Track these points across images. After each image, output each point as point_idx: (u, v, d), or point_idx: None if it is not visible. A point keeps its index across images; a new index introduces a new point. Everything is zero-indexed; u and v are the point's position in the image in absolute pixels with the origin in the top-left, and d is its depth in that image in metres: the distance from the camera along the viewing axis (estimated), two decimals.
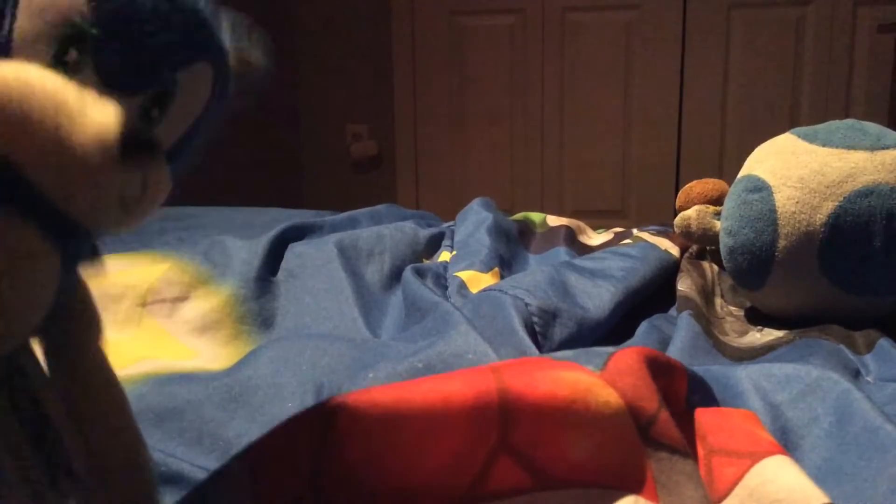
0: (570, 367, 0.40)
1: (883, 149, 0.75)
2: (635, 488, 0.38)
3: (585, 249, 1.05)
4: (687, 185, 1.04)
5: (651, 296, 0.85)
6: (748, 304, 0.87)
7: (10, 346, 0.28)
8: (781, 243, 0.76)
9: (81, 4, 0.30)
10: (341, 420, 0.35)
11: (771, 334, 0.77)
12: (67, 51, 0.29)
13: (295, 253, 0.88)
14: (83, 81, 0.29)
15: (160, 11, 0.31)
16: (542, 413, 0.37)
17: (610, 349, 0.42)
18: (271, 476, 0.34)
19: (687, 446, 0.39)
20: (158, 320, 0.75)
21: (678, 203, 1.03)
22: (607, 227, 1.19)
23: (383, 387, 0.37)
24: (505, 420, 0.37)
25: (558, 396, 0.38)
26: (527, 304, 0.69)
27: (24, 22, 0.29)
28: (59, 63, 0.29)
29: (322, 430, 0.35)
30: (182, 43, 0.32)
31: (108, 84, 0.30)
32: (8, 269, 0.26)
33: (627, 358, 0.41)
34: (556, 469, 0.38)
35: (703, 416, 0.42)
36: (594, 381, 0.39)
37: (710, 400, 0.47)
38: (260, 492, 0.34)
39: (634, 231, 1.09)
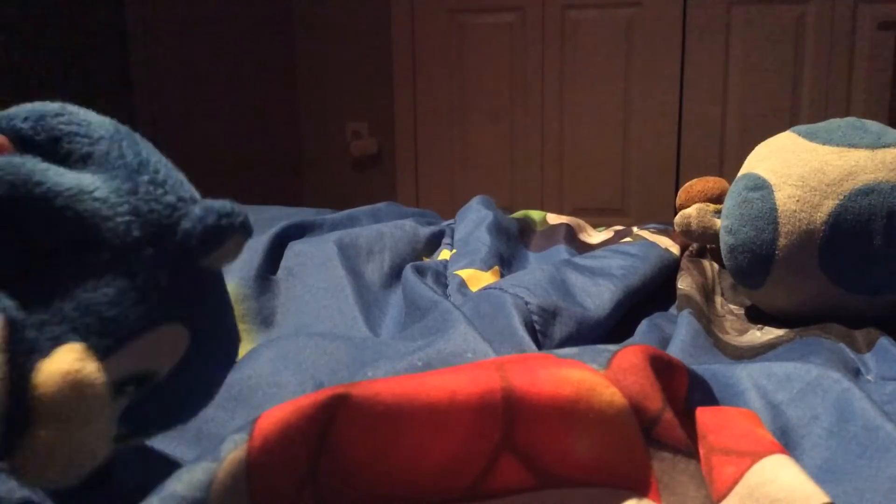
0: (574, 364, 0.40)
1: (884, 147, 0.75)
2: (638, 488, 0.37)
3: (585, 248, 1.05)
4: (687, 184, 1.04)
5: (651, 294, 0.85)
6: (748, 303, 0.87)
7: None
8: (782, 242, 0.76)
9: (164, 367, 0.34)
10: (342, 417, 0.35)
11: (771, 333, 0.77)
12: (130, 384, 0.33)
13: (295, 251, 0.88)
14: (114, 405, 0.32)
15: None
16: (545, 412, 0.37)
17: (614, 347, 0.42)
18: (268, 472, 0.34)
19: (690, 446, 0.39)
20: None
21: (678, 201, 1.03)
22: (607, 226, 1.19)
23: (387, 381, 0.37)
24: (509, 418, 0.37)
25: (562, 395, 0.37)
26: (527, 303, 0.69)
27: (121, 359, 0.32)
28: (118, 387, 0.32)
29: (323, 426, 0.35)
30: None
31: (125, 423, 0.34)
32: None
33: (632, 356, 0.41)
34: (560, 468, 0.38)
35: (704, 415, 0.42)
36: (598, 379, 0.39)
37: (710, 399, 0.47)
38: (255, 488, 0.34)
39: (635, 229, 1.09)
